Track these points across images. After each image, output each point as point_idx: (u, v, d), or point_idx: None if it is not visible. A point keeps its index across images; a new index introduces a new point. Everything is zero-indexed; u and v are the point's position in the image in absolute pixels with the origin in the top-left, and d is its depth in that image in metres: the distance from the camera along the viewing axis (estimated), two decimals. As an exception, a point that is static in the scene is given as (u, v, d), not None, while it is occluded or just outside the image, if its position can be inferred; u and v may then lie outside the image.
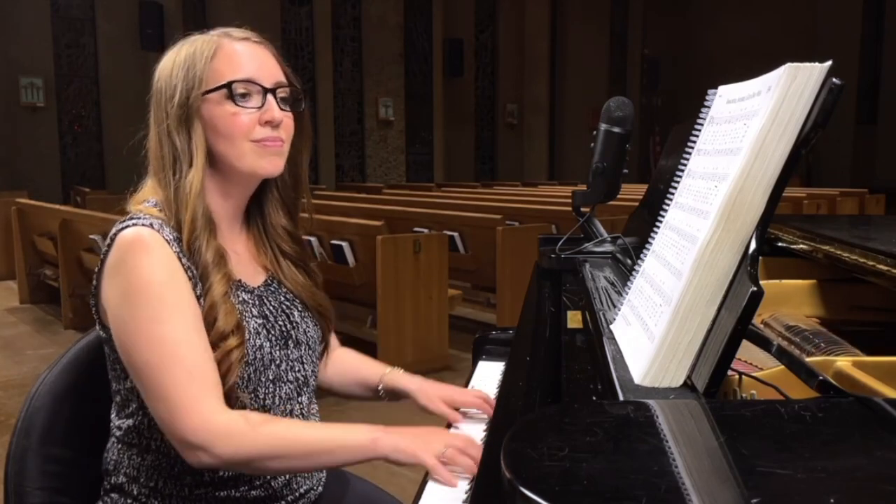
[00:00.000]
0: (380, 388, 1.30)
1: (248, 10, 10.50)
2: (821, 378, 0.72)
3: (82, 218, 5.28)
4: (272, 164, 1.13)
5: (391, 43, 13.12)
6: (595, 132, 1.64)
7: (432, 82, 13.79)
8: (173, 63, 1.13)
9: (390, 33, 13.09)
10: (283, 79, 1.16)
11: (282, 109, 1.13)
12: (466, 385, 1.48)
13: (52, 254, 5.60)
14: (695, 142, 0.92)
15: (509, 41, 15.08)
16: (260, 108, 1.11)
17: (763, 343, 0.88)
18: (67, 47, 10.52)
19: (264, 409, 1.14)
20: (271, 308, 1.18)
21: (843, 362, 0.84)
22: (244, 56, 1.13)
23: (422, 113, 13.78)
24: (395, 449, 1.03)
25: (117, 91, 10.45)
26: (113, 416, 1.18)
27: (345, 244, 4.27)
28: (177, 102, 1.10)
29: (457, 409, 1.26)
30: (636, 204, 1.61)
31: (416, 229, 4.84)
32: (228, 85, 1.10)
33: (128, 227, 1.07)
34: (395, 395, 1.30)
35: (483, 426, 1.21)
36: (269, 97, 1.12)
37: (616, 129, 1.61)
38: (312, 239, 4.49)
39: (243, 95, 1.11)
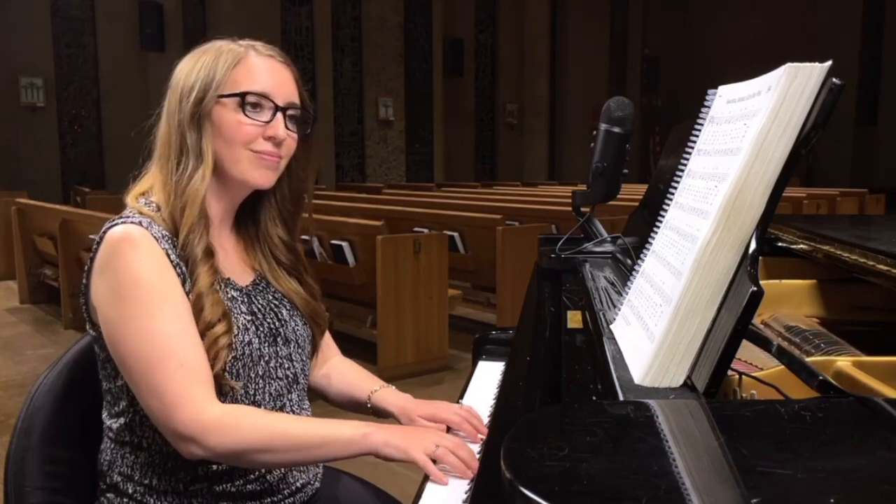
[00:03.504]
0: (368, 405, 1.31)
1: (248, 9, 10.48)
2: (821, 378, 0.72)
3: (82, 218, 5.28)
4: (264, 177, 1.16)
5: (391, 43, 13.11)
6: (595, 132, 1.64)
7: (432, 82, 13.78)
8: (196, 61, 1.16)
9: (390, 33, 13.08)
10: (296, 101, 1.18)
11: (288, 128, 1.16)
12: (466, 385, 1.48)
13: (52, 254, 5.60)
14: (695, 142, 0.92)
15: (509, 41, 15.08)
16: (267, 122, 1.14)
17: (763, 343, 0.88)
18: (67, 47, 10.52)
19: (254, 405, 1.15)
20: (259, 306, 1.20)
21: (843, 362, 0.84)
22: (264, 71, 1.15)
23: (422, 113, 13.77)
24: (385, 443, 1.04)
25: (117, 91, 10.45)
26: (104, 415, 1.18)
27: (345, 244, 4.27)
28: (192, 100, 1.13)
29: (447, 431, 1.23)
30: (636, 204, 1.61)
31: (416, 229, 4.84)
32: (243, 94, 1.13)
33: (117, 224, 1.09)
34: (381, 414, 1.30)
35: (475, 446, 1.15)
36: (279, 115, 1.15)
37: (616, 129, 1.61)
38: (312, 239, 4.49)
39: (254, 107, 1.14)
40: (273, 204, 1.25)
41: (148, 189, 1.17)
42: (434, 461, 1.03)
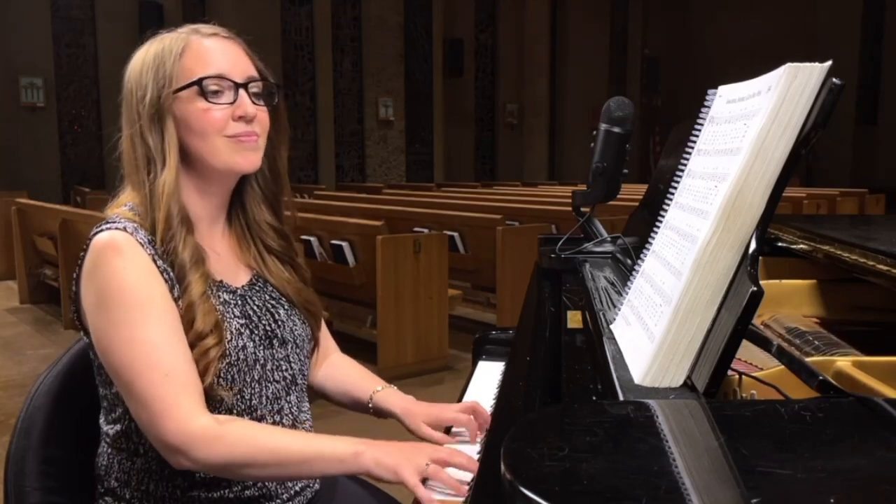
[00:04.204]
0: (369, 405, 1.29)
1: (248, 9, 10.49)
2: (821, 378, 0.72)
3: (82, 218, 5.27)
4: (247, 160, 1.13)
5: (391, 43, 13.10)
6: (595, 132, 1.64)
7: (432, 82, 13.78)
8: (142, 62, 1.12)
9: (390, 33, 13.08)
10: (254, 73, 1.15)
11: (255, 104, 1.13)
12: (466, 385, 1.48)
13: (52, 254, 5.60)
14: (695, 142, 0.92)
15: (509, 41, 15.08)
16: (232, 103, 1.11)
17: (763, 343, 0.88)
18: (67, 47, 10.51)
19: (251, 409, 1.13)
20: (255, 308, 1.17)
21: (843, 362, 0.84)
22: (214, 52, 1.12)
23: (422, 113, 13.77)
24: (377, 463, 1.01)
25: (117, 91, 10.37)
26: (102, 420, 1.17)
27: (345, 244, 4.27)
28: (148, 102, 1.09)
29: (448, 429, 1.23)
30: (636, 204, 1.61)
31: (416, 229, 4.84)
32: (199, 82, 1.09)
33: (102, 230, 1.07)
34: (383, 414, 1.28)
35: (475, 447, 1.17)
36: (241, 92, 1.11)
37: (616, 129, 1.61)
38: (312, 239, 4.50)
39: (215, 92, 1.10)
40: (256, 188, 1.22)
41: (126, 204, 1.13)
42: (427, 480, 1.01)
